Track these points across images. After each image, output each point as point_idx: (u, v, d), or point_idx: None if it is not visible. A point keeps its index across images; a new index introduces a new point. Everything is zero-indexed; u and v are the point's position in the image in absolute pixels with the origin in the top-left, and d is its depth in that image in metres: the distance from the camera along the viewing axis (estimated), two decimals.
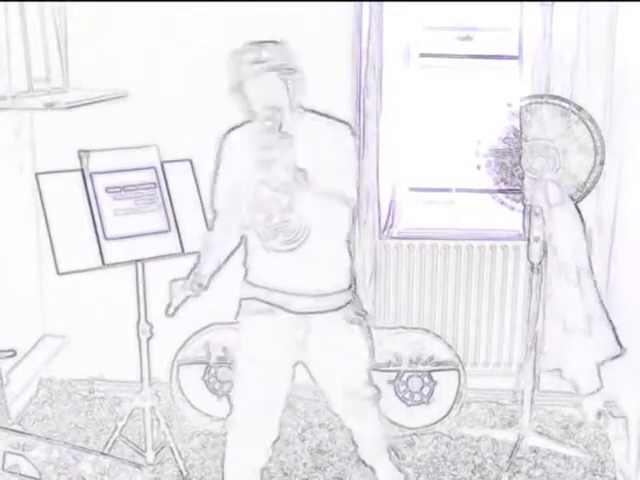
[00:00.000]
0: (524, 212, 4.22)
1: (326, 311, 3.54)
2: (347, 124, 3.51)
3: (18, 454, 3.26)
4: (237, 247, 3.62)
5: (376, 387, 3.71)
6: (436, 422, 4.48)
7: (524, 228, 4.42)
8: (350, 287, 3.61)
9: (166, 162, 4.03)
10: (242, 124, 3.52)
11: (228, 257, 3.64)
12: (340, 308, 3.57)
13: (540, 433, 4.41)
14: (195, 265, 3.68)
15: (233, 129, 3.54)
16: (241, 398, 3.64)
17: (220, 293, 3.86)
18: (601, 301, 4.00)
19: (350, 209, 3.54)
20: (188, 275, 3.68)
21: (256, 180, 3.38)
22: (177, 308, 3.70)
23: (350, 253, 3.61)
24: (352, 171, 3.52)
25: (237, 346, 3.69)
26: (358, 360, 3.65)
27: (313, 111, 3.48)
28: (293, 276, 3.50)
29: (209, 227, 3.71)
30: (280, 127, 3.37)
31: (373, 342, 3.73)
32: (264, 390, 3.59)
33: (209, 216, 3.72)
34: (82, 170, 3.88)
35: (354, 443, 3.79)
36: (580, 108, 3.98)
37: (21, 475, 3.28)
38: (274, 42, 3.45)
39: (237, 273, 3.59)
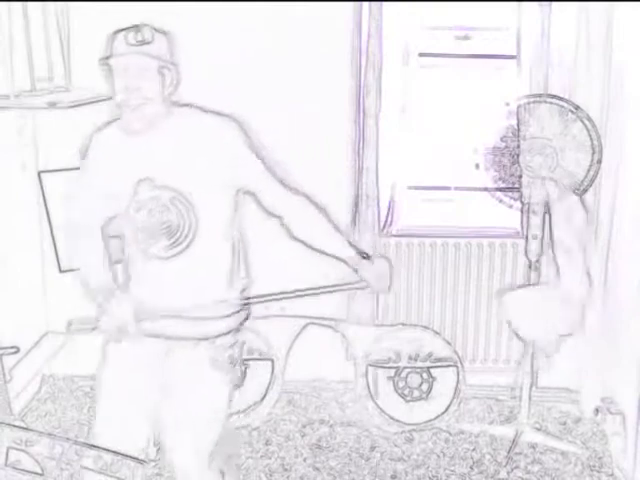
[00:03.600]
0: (522, 210, 4.23)
1: (189, 339, 3.14)
2: (232, 118, 3.21)
3: (21, 450, 3.26)
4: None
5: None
6: (435, 418, 4.49)
7: (522, 226, 4.43)
8: (235, 315, 3.22)
9: None
10: (109, 123, 3.26)
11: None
12: (208, 338, 3.16)
13: (538, 429, 4.42)
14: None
15: (101, 129, 3.26)
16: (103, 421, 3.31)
17: None
18: None
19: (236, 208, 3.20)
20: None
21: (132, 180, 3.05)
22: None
23: (241, 266, 3.29)
24: (250, 166, 3.16)
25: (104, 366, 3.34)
26: (208, 413, 3.24)
27: (192, 106, 3.26)
28: (165, 290, 3.11)
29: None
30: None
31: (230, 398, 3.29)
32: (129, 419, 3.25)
33: None
34: None
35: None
36: (578, 107, 3.99)
37: (24, 470, 3.29)
38: (162, 31, 3.26)
39: None
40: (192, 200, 3.05)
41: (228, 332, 3.20)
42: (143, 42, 3.16)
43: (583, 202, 4.07)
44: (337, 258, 3.26)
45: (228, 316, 3.18)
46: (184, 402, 3.19)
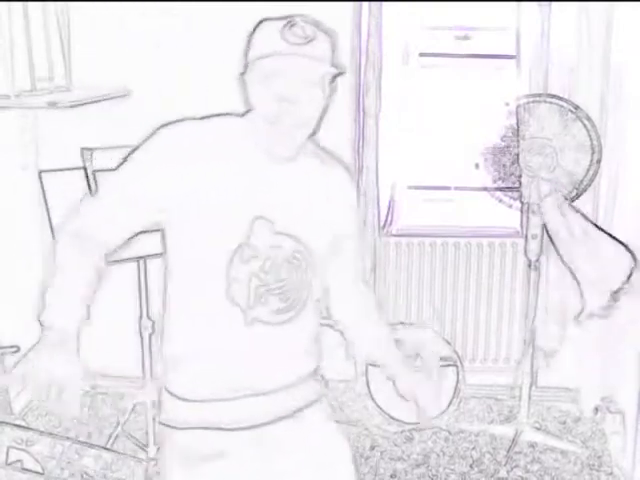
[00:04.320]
0: (522, 210, 4.24)
1: (285, 417, 2.48)
2: (348, 169, 2.66)
3: (21, 449, 3.26)
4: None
5: None
6: (435, 417, 4.49)
7: (522, 225, 4.44)
8: (315, 374, 2.62)
9: None
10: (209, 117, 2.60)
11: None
12: (302, 409, 2.51)
13: (538, 428, 4.43)
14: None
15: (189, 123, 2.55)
16: None
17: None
18: None
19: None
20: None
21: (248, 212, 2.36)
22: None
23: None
24: (354, 229, 2.62)
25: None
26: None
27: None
28: (255, 366, 2.41)
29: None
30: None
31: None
32: None
33: None
34: (85, 168, 3.89)
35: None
36: (577, 107, 4.00)
37: (24, 470, 3.30)
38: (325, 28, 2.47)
39: None
40: (314, 256, 2.43)
41: (318, 398, 2.59)
42: (307, 40, 2.37)
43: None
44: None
45: (313, 376, 2.61)
46: None
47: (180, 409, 2.51)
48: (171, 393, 2.54)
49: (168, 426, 2.55)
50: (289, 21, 2.35)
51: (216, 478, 2.43)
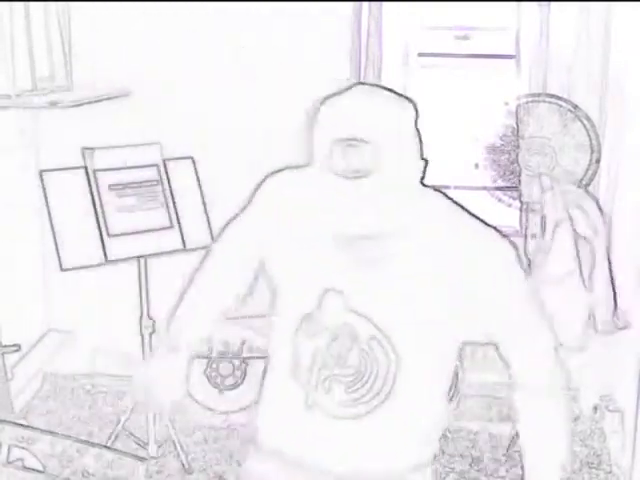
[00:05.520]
0: (521, 209, 4.25)
1: None
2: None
3: (22, 447, 3.26)
4: None
5: None
6: None
7: (521, 225, 4.44)
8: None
9: (168, 160, 4.04)
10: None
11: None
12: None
13: None
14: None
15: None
16: None
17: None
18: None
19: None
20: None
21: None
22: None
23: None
24: None
25: None
26: None
27: None
28: (342, 444, 2.11)
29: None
30: None
31: None
32: None
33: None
34: (86, 167, 3.90)
35: None
36: (576, 106, 4.00)
37: (25, 468, 3.30)
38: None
39: None
40: (397, 340, 2.07)
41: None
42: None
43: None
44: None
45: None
46: None
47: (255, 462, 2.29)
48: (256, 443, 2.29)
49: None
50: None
51: None
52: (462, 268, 2.08)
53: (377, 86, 2.22)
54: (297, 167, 2.23)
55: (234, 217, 2.33)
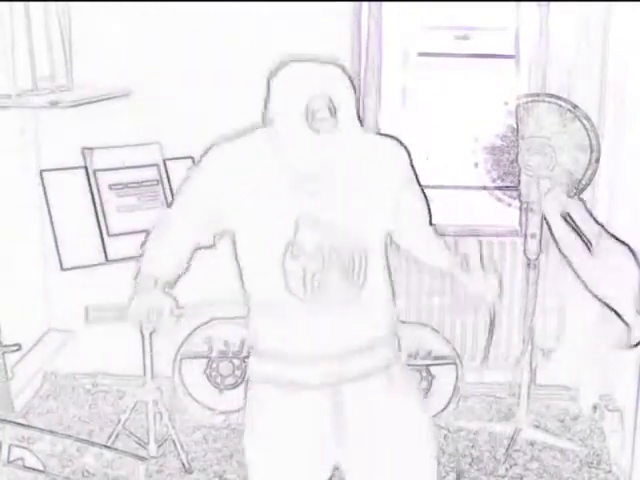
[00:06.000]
0: (521, 209, 4.25)
1: (363, 376, 2.67)
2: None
3: (23, 447, 3.28)
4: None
5: None
6: (434, 415, 4.49)
7: (521, 224, 4.44)
8: (395, 336, 2.80)
9: (168, 159, 4.05)
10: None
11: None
12: (381, 369, 2.70)
13: (537, 426, 4.43)
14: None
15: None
16: None
17: (222, 289, 3.91)
18: None
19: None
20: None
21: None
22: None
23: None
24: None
25: (249, 434, 2.76)
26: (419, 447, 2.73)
27: None
28: (324, 337, 2.62)
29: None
30: None
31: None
32: None
33: None
34: (86, 167, 3.91)
35: None
36: (576, 106, 4.01)
37: (25, 467, 3.31)
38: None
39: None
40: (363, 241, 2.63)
41: (396, 356, 2.78)
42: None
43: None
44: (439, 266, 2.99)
45: (393, 338, 2.78)
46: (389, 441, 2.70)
47: (256, 365, 2.75)
48: (256, 351, 2.75)
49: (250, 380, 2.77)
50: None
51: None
52: (376, 178, 2.67)
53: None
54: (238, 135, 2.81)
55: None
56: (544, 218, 4.05)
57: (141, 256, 2.88)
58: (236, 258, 2.72)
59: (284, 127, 2.63)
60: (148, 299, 2.80)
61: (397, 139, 2.77)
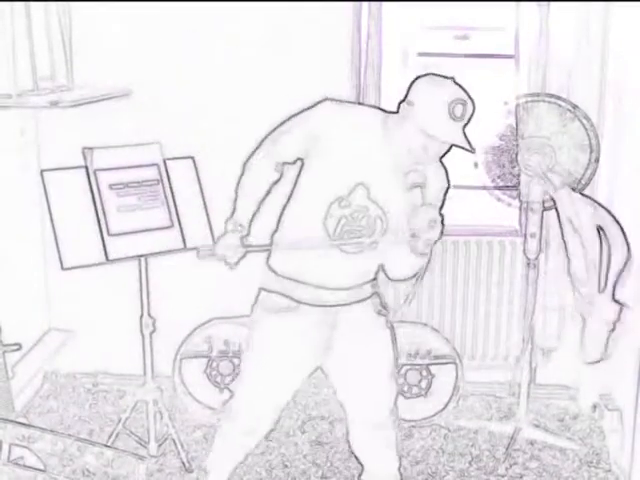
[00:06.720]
0: (520, 208, 4.25)
1: (355, 302, 3.45)
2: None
3: (23, 446, 3.28)
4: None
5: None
6: (434, 415, 4.51)
7: (520, 224, 4.44)
8: (375, 278, 3.51)
9: (169, 159, 4.05)
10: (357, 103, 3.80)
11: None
12: (368, 298, 3.49)
13: (536, 425, 4.44)
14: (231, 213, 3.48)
15: (347, 103, 3.51)
16: (244, 393, 3.60)
17: (222, 288, 3.92)
18: None
19: None
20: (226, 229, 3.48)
21: (353, 175, 3.30)
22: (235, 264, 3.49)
23: None
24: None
25: (248, 341, 3.55)
26: (382, 359, 3.53)
27: None
28: (329, 269, 3.38)
29: (250, 166, 3.46)
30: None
31: (397, 345, 3.58)
32: (271, 389, 3.51)
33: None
34: (86, 167, 3.90)
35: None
36: (575, 106, 4.01)
37: (26, 467, 3.31)
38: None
39: (240, 271, 3.57)
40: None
41: (375, 292, 3.53)
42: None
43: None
44: None
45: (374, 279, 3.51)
46: (360, 364, 3.49)
47: (273, 281, 3.46)
48: (270, 267, 3.47)
49: (262, 289, 3.49)
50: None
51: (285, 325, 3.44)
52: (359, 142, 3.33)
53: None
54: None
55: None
56: (558, 214, 4.05)
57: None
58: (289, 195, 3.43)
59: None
60: (226, 238, 3.46)
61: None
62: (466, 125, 3.40)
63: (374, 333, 3.52)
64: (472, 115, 3.44)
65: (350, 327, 3.46)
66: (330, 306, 3.41)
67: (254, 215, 3.45)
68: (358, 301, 3.46)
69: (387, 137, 3.32)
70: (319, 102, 3.34)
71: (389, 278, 3.50)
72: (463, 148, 3.32)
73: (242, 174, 3.45)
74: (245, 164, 3.45)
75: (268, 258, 3.47)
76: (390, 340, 3.54)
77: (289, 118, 3.38)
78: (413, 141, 3.27)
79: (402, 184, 3.33)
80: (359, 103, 3.76)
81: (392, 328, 3.56)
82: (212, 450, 3.77)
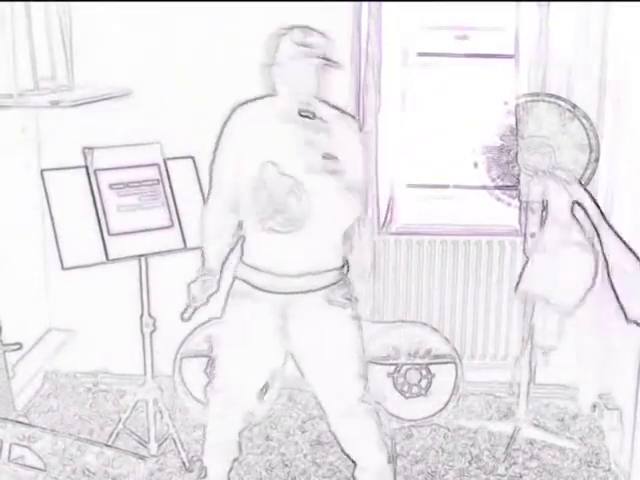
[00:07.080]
0: (520, 208, 4.25)
1: (306, 291, 3.49)
2: (355, 118, 3.67)
3: (24, 446, 3.29)
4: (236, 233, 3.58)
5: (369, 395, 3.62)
6: (434, 414, 4.51)
7: (520, 224, 4.45)
8: (341, 268, 3.55)
9: (169, 159, 4.06)
10: (254, 99, 3.52)
11: (234, 243, 3.58)
12: (321, 289, 3.51)
13: (536, 425, 4.45)
14: (202, 262, 3.60)
15: (246, 102, 3.53)
16: (223, 370, 3.65)
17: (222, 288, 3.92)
18: None
19: (359, 204, 3.54)
20: (198, 275, 3.58)
21: (263, 159, 3.37)
22: (195, 310, 3.62)
23: (347, 243, 3.58)
24: (361, 165, 3.54)
25: (223, 321, 3.65)
26: (343, 350, 3.53)
27: (324, 101, 3.51)
28: (282, 257, 3.45)
29: (205, 214, 3.62)
30: (314, 114, 3.44)
31: (362, 332, 3.61)
32: (246, 367, 3.57)
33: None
34: (86, 167, 3.91)
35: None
36: (575, 106, 4.01)
37: (26, 466, 3.32)
38: (321, 32, 3.52)
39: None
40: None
41: (338, 281, 3.55)
42: (317, 46, 3.52)
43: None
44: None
45: (338, 269, 3.55)
46: (317, 345, 3.55)
47: (242, 270, 3.56)
48: (242, 261, 3.56)
49: (234, 276, 3.59)
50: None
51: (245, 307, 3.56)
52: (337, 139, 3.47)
53: None
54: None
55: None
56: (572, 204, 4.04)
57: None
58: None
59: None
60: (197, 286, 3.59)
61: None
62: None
63: (330, 323, 3.54)
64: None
65: (301, 316, 3.51)
66: (281, 293, 3.48)
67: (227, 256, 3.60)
68: (314, 290, 3.49)
69: (282, 116, 3.44)
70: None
71: None
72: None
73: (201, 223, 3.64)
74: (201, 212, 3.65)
75: (242, 255, 3.59)
76: (351, 330, 3.55)
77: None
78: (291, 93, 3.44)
79: (316, 164, 3.40)
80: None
81: (357, 318, 3.58)
82: (205, 442, 3.77)
